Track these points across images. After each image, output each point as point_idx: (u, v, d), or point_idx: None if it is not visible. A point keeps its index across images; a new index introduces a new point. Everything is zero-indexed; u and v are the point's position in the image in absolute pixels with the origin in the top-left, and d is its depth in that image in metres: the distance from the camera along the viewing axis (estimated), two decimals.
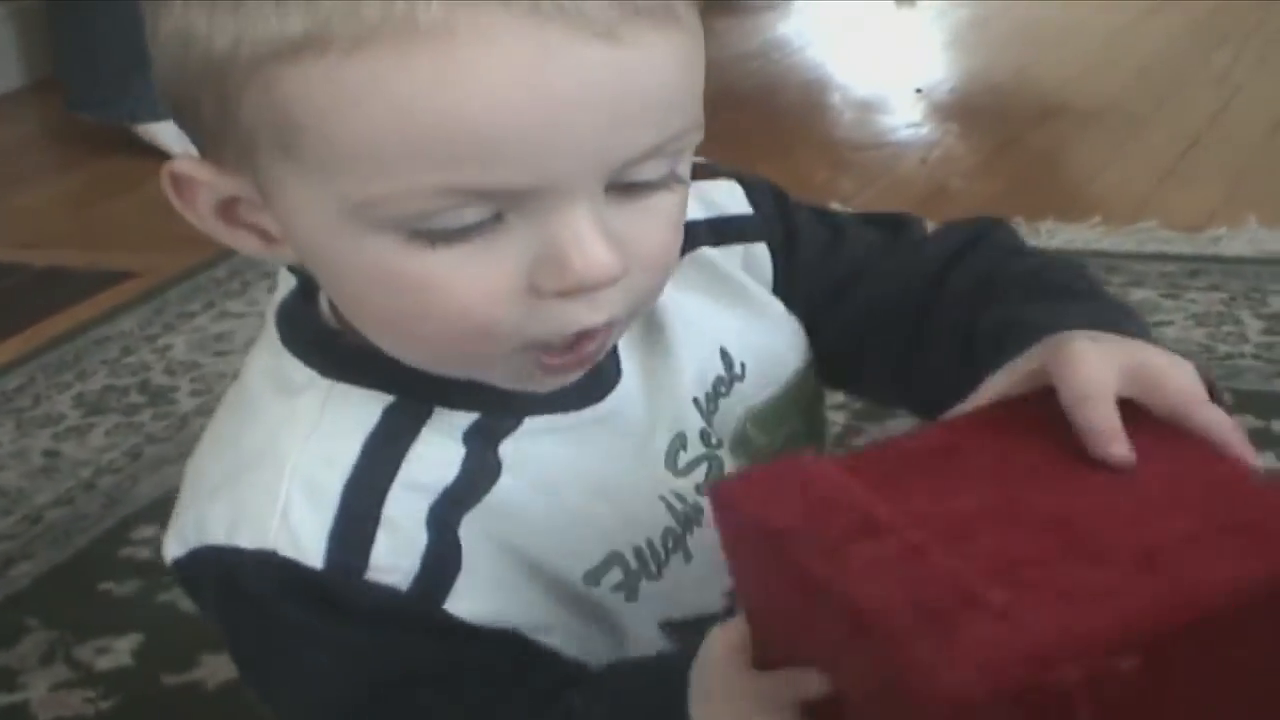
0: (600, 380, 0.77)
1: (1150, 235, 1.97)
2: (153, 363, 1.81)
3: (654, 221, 0.69)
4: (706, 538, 0.78)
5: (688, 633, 0.79)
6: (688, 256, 0.79)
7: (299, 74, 0.64)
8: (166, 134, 2.41)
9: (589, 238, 0.66)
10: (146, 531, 1.43)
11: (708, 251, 0.83)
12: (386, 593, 0.72)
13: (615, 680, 0.75)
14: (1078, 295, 0.79)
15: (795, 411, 0.85)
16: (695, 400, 0.81)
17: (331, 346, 0.75)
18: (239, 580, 0.72)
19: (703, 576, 0.79)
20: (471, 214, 0.65)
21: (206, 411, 1.65)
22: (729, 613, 0.79)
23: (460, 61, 0.62)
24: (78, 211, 2.39)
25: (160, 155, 2.43)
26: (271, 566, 0.71)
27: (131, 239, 2.22)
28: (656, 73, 0.66)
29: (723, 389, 0.82)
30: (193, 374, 1.77)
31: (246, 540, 0.72)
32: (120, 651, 1.26)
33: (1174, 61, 2.70)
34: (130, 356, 1.83)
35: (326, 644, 0.73)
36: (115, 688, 1.22)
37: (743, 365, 0.82)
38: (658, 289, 0.73)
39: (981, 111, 2.57)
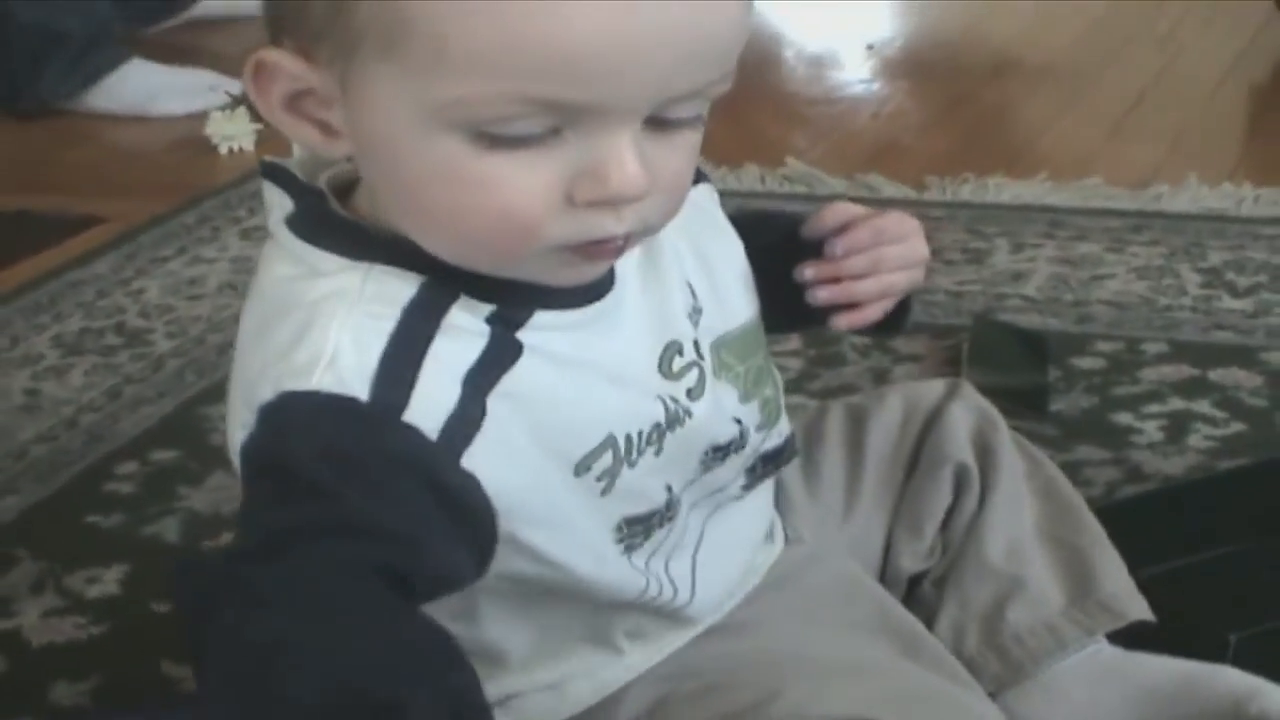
0: (598, 285, 0.84)
1: (1095, 191, 2.02)
2: (127, 306, 1.84)
3: (677, 154, 0.79)
4: (679, 440, 0.86)
5: (636, 531, 0.86)
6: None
7: None
8: (95, 99, 2.48)
9: (628, 157, 0.75)
10: (129, 467, 1.48)
11: (694, 190, 0.89)
12: (416, 436, 0.76)
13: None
14: None
15: (757, 345, 0.93)
16: (688, 315, 0.89)
17: (362, 236, 0.81)
18: (280, 423, 0.76)
19: (660, 469, 0.86)
20: (537, 124, 0.74)
21: (182, 353, 1.70)
22: (668, 506, 0.87)
23: None
24: (39, 162, 2.39)
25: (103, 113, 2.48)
26: (315, 400, 0.75)
27: (95, 186, 2.24)
28: (723, 19, 0.75)
29: (695, 318, 0.90)
30: (167, 317, 1.81)
31: (291, 386, 0.76)
32: (108, 581, 1.30)
33: (1121, 19, 2.76)
34: (105, 299, 1.86)
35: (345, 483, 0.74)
36: (105, 614, 1.26)
37: (703, 303, 0.90)
38: (670, 213, 0.81)
39: (932, 67, 2.62)
